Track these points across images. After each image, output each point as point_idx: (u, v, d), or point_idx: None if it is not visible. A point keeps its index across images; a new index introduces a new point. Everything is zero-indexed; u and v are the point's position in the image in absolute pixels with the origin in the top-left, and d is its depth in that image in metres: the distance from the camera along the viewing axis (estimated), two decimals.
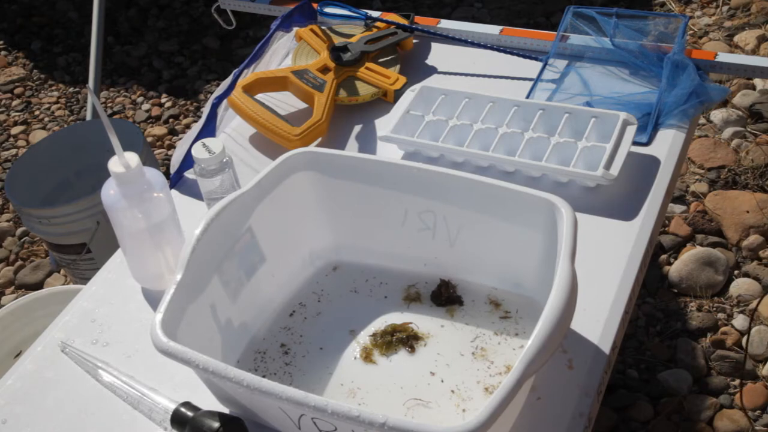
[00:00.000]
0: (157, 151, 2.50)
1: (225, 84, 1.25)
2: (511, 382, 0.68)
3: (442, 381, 0.88)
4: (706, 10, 2.64)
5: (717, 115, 2.22)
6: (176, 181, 1.18)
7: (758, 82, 2.30)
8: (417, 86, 1.22)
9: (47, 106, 2.76)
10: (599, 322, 0.91)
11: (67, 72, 2.91)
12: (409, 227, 0.97)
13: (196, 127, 1.21)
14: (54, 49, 3.03)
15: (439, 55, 1.37)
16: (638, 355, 1.73)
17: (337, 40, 1.35)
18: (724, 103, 2.24)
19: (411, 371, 0.89)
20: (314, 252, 1.02)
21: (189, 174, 1.18)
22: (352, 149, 1.20)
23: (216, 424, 0.80)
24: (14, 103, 2.80)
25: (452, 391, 0.87)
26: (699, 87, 1.18)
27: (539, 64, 1.28)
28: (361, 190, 0.96)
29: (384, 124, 1.19)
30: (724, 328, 1.75)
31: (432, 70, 1.34)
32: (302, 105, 1.29)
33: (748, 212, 1.96)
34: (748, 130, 2.18)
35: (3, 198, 2.39)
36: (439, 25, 1.39)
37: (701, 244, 1.92)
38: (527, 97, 1.23)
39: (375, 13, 1.41)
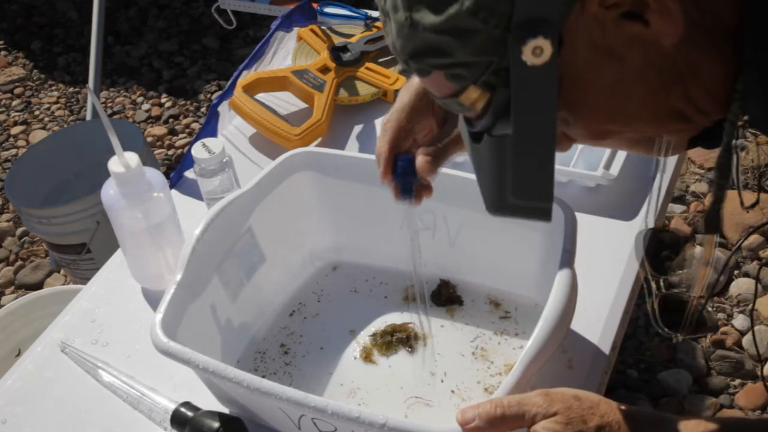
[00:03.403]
0: (157, 151, 2.50)
1: (227, 86, 1.25)
2: (511, 382, 0.68)
3: (442, 381, 0.88)
4: None
5: None
6: (176, 181, 1.18)
7: None
8: None
9: (47, 106, 2.76)
10: (599, 322, 0.91)
11: (67, 72, 2.91)
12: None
13: None
14: (54, 49, 3.03)
15: None
16: (638, 355, 1.73)
17: (337, 40, 1.35)
18: None
19: (411, 371, 0.89)
20: (314, 252, 1.02)
21: (189, 174, 1.18)
22: (352, 149, 1.20)
23: (216, 424, 0.80)
24: (14, 103, 2.79)
25: (452, 391, 0.87)
26: None
27: None
28: (361, 190, 0.96)
29: None
30: (724, 328, 1.75)
31: None
32: (302, 105, 1.29)
33: (748, 212, 1.96)
34: (749, 130, 2.18)
35: (3, 198, 2.39)
36: None
37: (701, 244, 1.92)
38: None
39: (375, 13, 1.41)
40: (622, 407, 0.64)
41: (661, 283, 0.82)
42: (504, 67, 0.54)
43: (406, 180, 0.79)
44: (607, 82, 0.55)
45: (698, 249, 0.86)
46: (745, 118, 0.56)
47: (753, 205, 0.73)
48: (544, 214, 0.63)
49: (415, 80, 0.80)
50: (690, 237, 1.95)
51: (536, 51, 0.52)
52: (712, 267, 0.65)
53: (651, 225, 0.92)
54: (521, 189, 0.62)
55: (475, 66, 0.55)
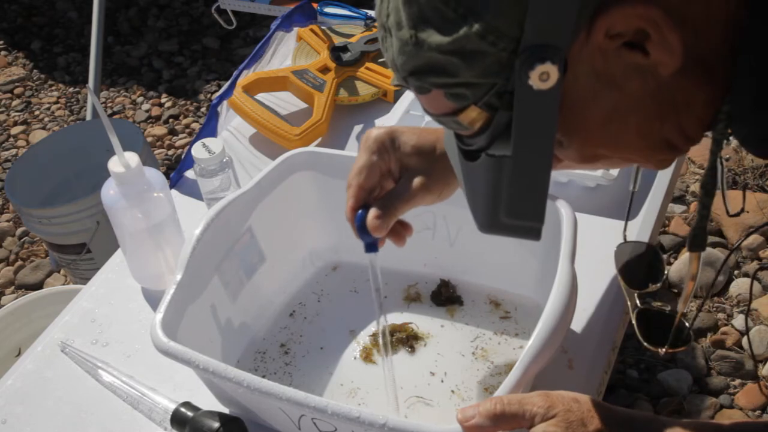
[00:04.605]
0: (157, 151, 2.50)
1: (226, 85, 1.25)
2: (512, 382, 0.68)
3: (442, 381, 0.88)
4: None
5: None
6: (176, 181, 1.18)
7: None
8: None
9: (47, 106, 2.76)
10: (599, 322, 0.91)
11: (67, 72, 2.91)
12: None
13: None
14: (54, 49, 3.03)
15: None
16: (638, 355, 1.73)
17: (337, 40, 1.35)
18: None
19: (411, 371, 0.89)
20: (314, 252, 1.02)
21: (189, 174, 1.18)
22: (352, 149, 1.20)
23: (216, 424, 0.80)
24: (14, 103, 2.80)
25: (452, 391, 0.87)
26: None
27: None
28: None
29: (384, 124, 1.19)
30: (724, 328, 1.76)
31: None
32: (302, 105, 1.29)
33: (748, 212, 1.96)
34: None
35: (3, 198, 2.39)
36: None
37: None
38: None
39: (374, 13, 1.41)
40: (621, 411, 0.65)
41: (636, 298, 0.83)
42: (508, 90, 0.54)
43: (365, 236, 0.79)
44: (604, 108, 0.56)
45: (688, 255, 0.87)
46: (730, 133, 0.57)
47: (738, 213, 0.74)
48: (535, 234, 0.63)
49: (372, 134, 0.80)
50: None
51: (543, 76, 0.52)
52: (697, 282, 0.66)
53: (629, 238, 0.93)
54: (515, 209, 0.62)
55: (478, 87, 0.55)
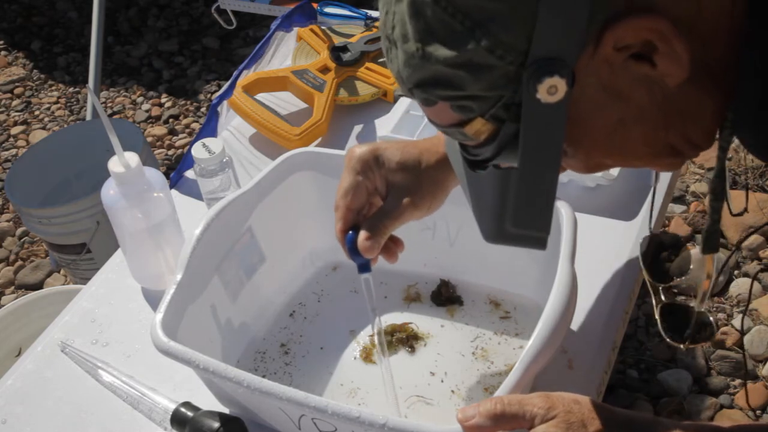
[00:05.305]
0: (157, 151, 2.50)
1: (226, 85, 1.25)
2: (512, 382, 0.68)
3: (442, 381, 0.88)
4: None
5: None
6: (176, 181, 1.18)
7: None
8: None
9: (47, 106, 2.76)
10: (599, 322, 0.91)
11: (67, 72, 2.91)
12: (409, 227, 0.96)
13: None
14: (54, 49, 3.03)
15: None
16: (638, 355, 1.73)
17: (337, 40, 1.35)
18: None
19: (411, 371, 0.89)
20: (314, 252, 1.02)
21: (189, 174, 1.18)
22: None
23: (216, 424, 0.80)
24: (14, 103, 2.80)
25: (452, 391, 0.87)
26: None
27: None
28: None
29: (384, 124, 1.19)
30: (724, 328, 1.75)
31: None
32: (302, 105, 1.29)
33: (748, 212, 1.96)
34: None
35: (3, 198, 2.39)
36: None
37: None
38: None
39: (375, 13, 1.41)
40: (621, 412, 0.65)
41: (661, 292, 0.83)
42: (515, 102, 0.54)
43: (357, 257, 0.78)
44: (610, 119, 0.56)
45: (697, 250, 0.87)
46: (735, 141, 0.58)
47: (741, 213, 0.74)
48: (541, 243, 0.63)
49: (355, 153, 0.80)
50: (690, 237, 1.95)
51: (551, 89, 0.52)
52: (713, 281, 0.66)
53: (651, 230, 0.93)
54: (521, 219, 0.62)
55: (485, 100, 0.54)
